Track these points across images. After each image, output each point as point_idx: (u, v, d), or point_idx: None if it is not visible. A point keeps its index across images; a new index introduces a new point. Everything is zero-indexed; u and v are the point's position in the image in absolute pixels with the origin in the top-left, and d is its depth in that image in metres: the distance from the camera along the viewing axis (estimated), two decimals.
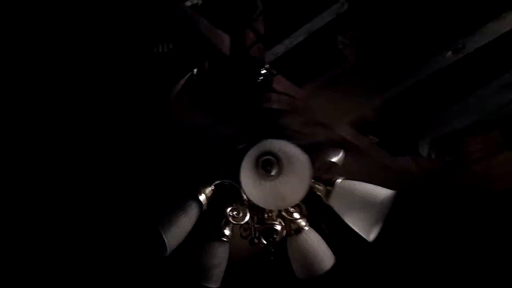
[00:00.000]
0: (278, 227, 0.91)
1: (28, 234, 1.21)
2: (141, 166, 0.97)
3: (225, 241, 0.94)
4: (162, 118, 1.02)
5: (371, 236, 0.88)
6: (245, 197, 0.85)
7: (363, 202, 0.87)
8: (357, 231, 0.89)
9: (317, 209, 0.97)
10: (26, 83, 1.06)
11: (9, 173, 1.17)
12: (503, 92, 1.74)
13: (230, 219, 0.92)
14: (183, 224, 0.82)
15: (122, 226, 0.83)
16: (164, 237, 0.77)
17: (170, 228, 0.79)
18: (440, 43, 1.42)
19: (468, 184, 2.10)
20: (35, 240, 1.24)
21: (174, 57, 1.19)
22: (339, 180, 0.92)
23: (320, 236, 1.03)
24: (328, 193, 0.92)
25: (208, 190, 0.90)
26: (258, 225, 0.91)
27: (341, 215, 0.91)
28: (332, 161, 0.97)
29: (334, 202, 0.91)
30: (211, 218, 0.93)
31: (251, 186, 0.76)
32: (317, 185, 0.93)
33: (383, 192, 0.88)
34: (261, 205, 0.81)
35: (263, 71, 1.15)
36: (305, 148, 0.96)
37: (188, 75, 1.14)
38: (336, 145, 1.08)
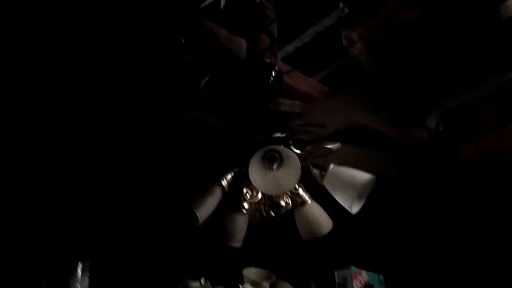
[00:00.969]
0: (283, 203, 1.20)
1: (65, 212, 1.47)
2: (180, 160, 1.27)
3: (244, 213, 1.25)
4: (189, 118, 1.28)
5: (354, 210, 1.14)
6: None
7: (348, 184, 1.13)
8: (343, 205, 1.16)
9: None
10: (44, 82, 1.30)
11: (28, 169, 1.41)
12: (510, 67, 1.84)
13: (247, 197, 1.22)
14: (210, 203, 1.13)
15: (166, 206, 1.13)
16: (197, 213, 1.09)
17: (201, 207, 1.11)
18: None
19: (479, 151, 2.23)
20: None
21: (196, 62, 1.43)
22: (331, 166, 1.18)
23: (320, 207, 1.31)
24: (322, 176, 1.18)
25: (229, 176, 1.20)
26: (268, 202, 1.21)
27: (331, 193, 1.17)
28: (329, 149, 1.22)
29: (327, 183, 1.18)
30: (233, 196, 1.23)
31: (257, 176, 1.05)
32: (314, 170, 1.21)
33: (363, 176, 1.13)
34: (263, 191, 1.10)
35: (274, 73, 1.37)
36: (305, 142, 1.22)
37: (205, 79, 1.39)
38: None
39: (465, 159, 2.20)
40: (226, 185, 1.17)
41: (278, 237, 1.23)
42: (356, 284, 1.92)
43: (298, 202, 1.26)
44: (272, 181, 1.05)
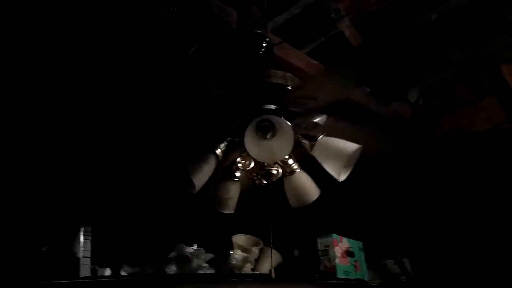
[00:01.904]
0: (275, 172, 1.25)
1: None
2: (176, 130, 1.29)
3: (236, 181, 1.29)
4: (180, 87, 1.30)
5: (341, 178, 1.21)
6: None
7: (335, 153, 1.19)
8: (331, 173, 1.22)
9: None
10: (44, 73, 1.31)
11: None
12: (485, 45, 1.93)
13: (240, 165, 1.26)
14: (205, 171, 1.17)
15: (162, 174, 1.16)
16: (193, 180, 1.13)
17: (197, 175, 1.15)
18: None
19: (455, 126, 2.34)
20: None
21: (186, 30, 1.44)
22: (320, 137, 1.24)
23: (308, 176, 1.37)
24: (311, 147, 1.24)
25: (222, 145, 1.23)
26: (260, 170, 1.26)
27: (320, 163, 1.23)
28: (316, 122, 1.28)
29: (316, 153, 1.23)
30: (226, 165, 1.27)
31: (252, 145, 1.09)
32: (304, 141, 1.26)
33: (351, 146, 1.19)
34: (258, 159, 1.15)
35: (265, 44, 1.39)
36: (296, 114, 1.26)
37: (193, 48, 1.39)
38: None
39: (442, 133, 2.31)
40: (220, 153, 1.21)
41: (266, 206, 1.29)
42: (337, 251, 2.03)
43: (288, 171, 1.32)
44: (265, 150, 1.10)
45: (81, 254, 1.26)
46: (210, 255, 1.72)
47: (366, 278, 2.08)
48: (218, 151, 1.22)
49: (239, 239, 1.87)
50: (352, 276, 2.00)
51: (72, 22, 1.27)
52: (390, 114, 2.17)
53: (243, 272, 1.74)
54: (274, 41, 1.48)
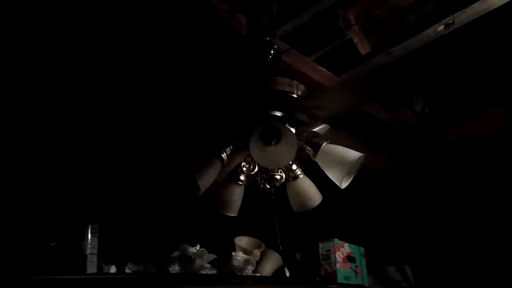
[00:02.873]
0: (278, 177, 1.28)
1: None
2: (183, 133, 1.33)
3: (241, 184, 1.32)
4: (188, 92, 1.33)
5: (343, 185, 1.24)
6: None
7: (338, 161, 1.22)
8: (333, 180, 1.24)
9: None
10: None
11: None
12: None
13: (244, 169, 1.29)
14: (210, 174, 1.20)
15: (168, 175, 1.20)
16: (199, 183, 1.16)
17: (202, 177, 1.18)
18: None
19: (460, 134, 2.34)
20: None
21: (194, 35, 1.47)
22: (323, 144, 1.26)
23: (311, 181, 1.40)
24: (315, 153, 1.27)
25: (228, 149, 1.26)
26: (263, 175, 1.28)
27: (323, 169, 1.26)
28: (317, 132, 1.30)
29: (319, 160, 1.26)
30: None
31: (257, 151, 1.12)
32: (307, 147, 1.28)
33: (353, 154, 1.22)
34: (262, 164, 1.18)
35: (273, 51, 1.42)
36: (302, 122, 1.29)
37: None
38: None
39: (447, 141, 2.31)
40: (225, 157, 1.24)
41: (269, 209, 1.31)
42: (339, 255, 2.04)
43: (291, 176, 1.34)
44: (270, 156, 1.12)
45: (88, 251, 1.30)
46: (212, 256, 1.75)
47: (366, 284, 2.09)
48: (224, 155, 1.25)
49: (241, 241, 1.90)
50: (353, 281, 2.01)
51: (82, 19, 1.30)
52: (395, 121, 2.18)
53: (244, 274, 1.76)
54: (282, 48, 1.51)
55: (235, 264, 1.75)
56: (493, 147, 2.19)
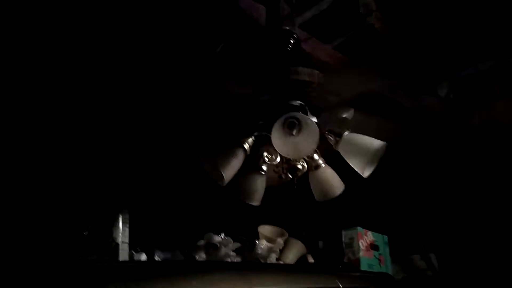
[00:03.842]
0: (300, 167, 1.29)
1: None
2: (206, 125, 1.35)
3: (263, 174, 1.34)
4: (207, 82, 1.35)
5: (365, 174, 1.23)
6: None
7: (360, 150, 1.22)
8: (356, 169, 1.24)
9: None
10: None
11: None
12: None
13: (266, 159, 1.31)
14: (234, 164, 1.23)
15: (194, 166, 1.23)
16: (223, 174, 1.19)
17: (226, 168, 1.20)
18: None
19: (488, 119, 2.27)
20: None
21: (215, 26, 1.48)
22: (345, 133, 1.26)
23: (333, 171, 1.40)
24: (337, 142, 1.27)
25: (250, 140, 1.28)
26: (285, 165, 1.30)
27: (345, 158, 1.26)
28: (343, 117, 1.30)
29: (341, 149, 1.26)
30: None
31: (278, 141, 1.13)
32: (329, 136, 1.28)
33: (376, 143, 1.21)
34: (284, 154, 1.19)
35: (292, 41, 1.41)
36: (321, 109, 1.29)
37: (221, 46, 1.44)
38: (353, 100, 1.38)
39: (474, 126, 2.25)
40: (248, 148, 1.26)
41: (293, 198, 1.33)
42: (362, 243, 2.05)
43: (313, 166, 1.35)
44: (291, 146, 1.13)
45: (120, 240, 1.36)
46: (237, 244, 1.79)
47: (390, 272, 2.09)
48: (246, 145, 1.27)
49: (265, 229, 1.93)
50: (376, 269, 2.02)
51: (97, 16, 1.33)
52: (418, 108, 2.14)
53: (268, 262, 1.80)
54: (302, 37, 1.50)
55: (259, 252, 1.79)
56: None
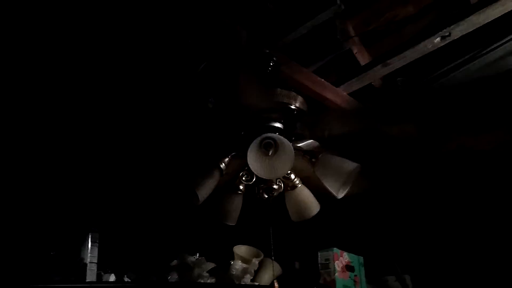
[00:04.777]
0: (276, 186, 1.29)
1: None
2: (182, 143, 1.35)
3: (240, 193, 1.34)
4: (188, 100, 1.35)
5: (339, 195, 1.25)
6: None
7: (335, 171, 1.23)
8: (330, 190, 1.26)
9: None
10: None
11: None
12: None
13: (243, 179, 1.31)
14: (209, 184, 1.22)
15: (168, 186, 1.22)
16: (198, 193, 1.18)
17: (201, 188, 1.19)
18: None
19: (459, 143, 2.34)
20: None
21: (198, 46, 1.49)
22: (321, 155, 1.28)
23: (309, 191, 1.41)
24: (312, 163, 1.28)
25: (226, 159, 1.28)
26: (262, 184, 1.30)
27: (321, 179, 1.27)
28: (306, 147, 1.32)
29: (317, 170, 1.27)
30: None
31: (254, 161, 1.13)
32: (305, 157, 1.30)
33: (350, 165, 1.23)
34: (260, 175, 1.19)
35: (272, 63, 1.44)
36: (301, 135, 1.31)
37: (203, 65, 1.45)
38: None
39: (447, 151, 2.31)
40: (223, 168, 1.26)
41: (268, 218, 1.33)
42: (338, 265, 2.05)
43: (289, 186, 1.36)
44: (267, 166, 1.14)
45: (88, 260, 1.31)
46: (211, 265, 1.76)
47: None
48: (222, 165, 1.27)
49: (240, 250, 1.91)
50: None
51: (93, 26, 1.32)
52: (394, 131, 2.19)
53: (243, 283, 1.77)
54: (281, 60, 1.53)
55: (233, 273, 1.76)
56: (492, 156, 2.19)
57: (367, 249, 2.25)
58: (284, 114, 1.27)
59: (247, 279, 1.79)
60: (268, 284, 1.90)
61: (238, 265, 1.78)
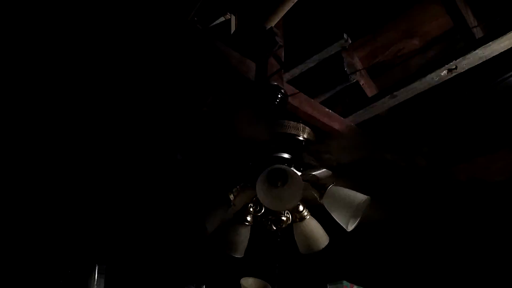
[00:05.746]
0: (284, 218, 1.29)
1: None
2: (192, 173, 1.36)
3: (247, 225, 1.33)
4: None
5: (349, 228, 1.23)
6: None
7: (344, 203, 1.22)
8: (339, 223, 1.25)
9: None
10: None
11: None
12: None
13: (251, 210, 1.31)
14: (218, 215, 1.22)
15: (177, 217, 1.22)
16: (206, 223, 1.18)
17: (209, 217, 1.20)
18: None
19: (470, 175, 2.32)
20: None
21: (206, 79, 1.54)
22: (329, 186, 1.27)
23: (318, 223, 1.40)
24: (321, 195, 1.28)
25: (235, 190, 1.29)
26: (270, 216, 1.29)
27: (329, 211, 1.26)
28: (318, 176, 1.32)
29: (325, 202, 1.27)
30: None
31: (263, 193, 1.14)
32: (314, 189, 1.30)
33: (359, 197, 1.22)
34: (268, 206, 1.19)
35: (280, 95, 1.47)
36: (306, 164, 1.32)
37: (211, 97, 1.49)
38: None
39: (457, 182, 2.29)
40: (232, 199, 1.26)
41: (276, 250, 1.31)
42: None
43: (298, 218, 1.35)
44: (276, 198, 1.14)
45: None
46: None
47: None
48: (231, 196, 1.27)
49: (247, 282, 1.87)
50: None
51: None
52: (403, 162, 2.18)
53: None
54: (289, 92, 1.56)
55: None
56: (505, 187, 2.16)
57: (378, 281, 2.20)
58: (292, 145, 1.28)
59: None
60: None
61: None
